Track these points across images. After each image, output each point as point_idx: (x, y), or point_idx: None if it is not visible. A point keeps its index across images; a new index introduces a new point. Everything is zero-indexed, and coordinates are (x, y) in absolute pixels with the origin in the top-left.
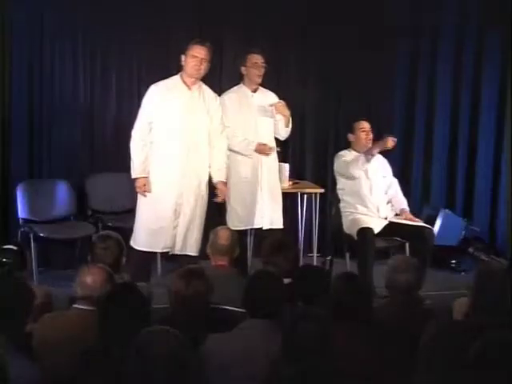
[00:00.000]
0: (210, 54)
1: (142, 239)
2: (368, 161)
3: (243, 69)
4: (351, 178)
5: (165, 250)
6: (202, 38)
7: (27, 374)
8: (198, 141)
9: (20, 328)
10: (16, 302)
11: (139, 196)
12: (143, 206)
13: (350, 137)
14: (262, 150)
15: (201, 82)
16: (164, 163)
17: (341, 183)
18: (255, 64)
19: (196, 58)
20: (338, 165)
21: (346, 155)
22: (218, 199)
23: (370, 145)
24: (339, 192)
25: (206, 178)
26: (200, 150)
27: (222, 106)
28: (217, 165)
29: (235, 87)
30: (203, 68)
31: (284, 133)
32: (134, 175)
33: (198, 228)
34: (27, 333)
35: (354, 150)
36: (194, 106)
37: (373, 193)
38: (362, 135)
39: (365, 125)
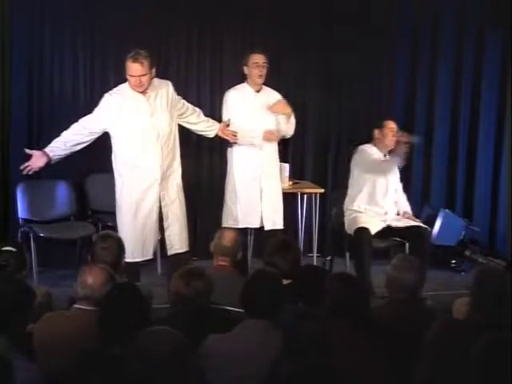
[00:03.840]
0: (147, 65)
1: (130, 250)
2: (400, 163)
3: (245, 68)
4: (381, 175)
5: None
6: (201, 39)
7: (27, 374)
8: (166, 139)
9: (21, 328)
10: (17, 303)
11: (120, 207)
12: (125, 216)
13: (376, 132)
14: (268, 136)
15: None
16: (142, 172)
17: (357, 177)
18: (256, 64)
19: (133, 76)
20: (362, 158)
21: (371, 152)
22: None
23: (392, 145)
24: (350, 185)
25: (180, 171)
26: (169, 145)
27: (224, 101)
28: (209, 124)
29: (239, 85)
30: (145, 81)
31: (289, 130)
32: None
33: (185, 223)
34: (28, 333)
35: (377, 146)
36: (152, 108)
37: (387, 196)
38: (390, 135)
39: (394, 125)
